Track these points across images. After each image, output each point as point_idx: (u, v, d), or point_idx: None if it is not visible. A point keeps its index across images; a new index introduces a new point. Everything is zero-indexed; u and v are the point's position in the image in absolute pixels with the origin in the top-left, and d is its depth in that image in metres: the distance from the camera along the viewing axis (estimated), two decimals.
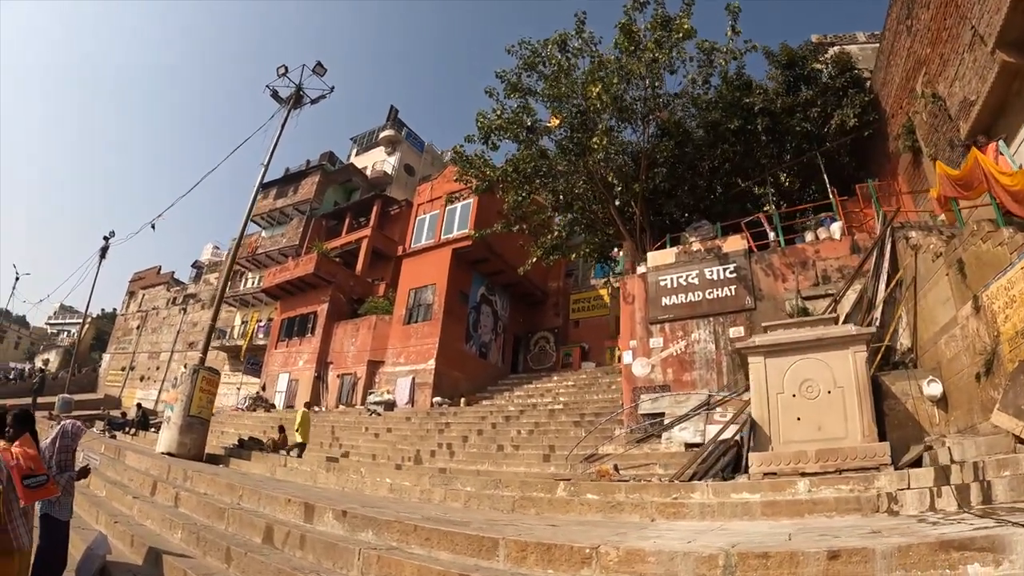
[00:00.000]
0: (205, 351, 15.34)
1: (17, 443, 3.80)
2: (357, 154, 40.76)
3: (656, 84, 13.64)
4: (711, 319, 11.72)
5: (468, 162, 15.29)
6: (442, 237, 21.78)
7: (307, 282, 25.80)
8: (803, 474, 6.92)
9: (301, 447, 13.82)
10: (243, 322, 32.57)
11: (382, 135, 39.93)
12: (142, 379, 39.76)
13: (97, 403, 34.26)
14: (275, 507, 6.60)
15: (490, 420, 15.66)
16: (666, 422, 11.18)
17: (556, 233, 16.33)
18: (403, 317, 21.45)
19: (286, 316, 27.05)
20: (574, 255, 17.12)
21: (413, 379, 19.80)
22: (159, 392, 35.41)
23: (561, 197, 15.74)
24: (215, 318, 15.95)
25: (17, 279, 41.73)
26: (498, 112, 14.35)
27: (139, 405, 25.34)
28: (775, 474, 7.26)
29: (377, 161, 38.06)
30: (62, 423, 4.90)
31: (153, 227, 24.38)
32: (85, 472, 4.93)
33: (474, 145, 14.98)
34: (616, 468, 9.15)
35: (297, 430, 14.08)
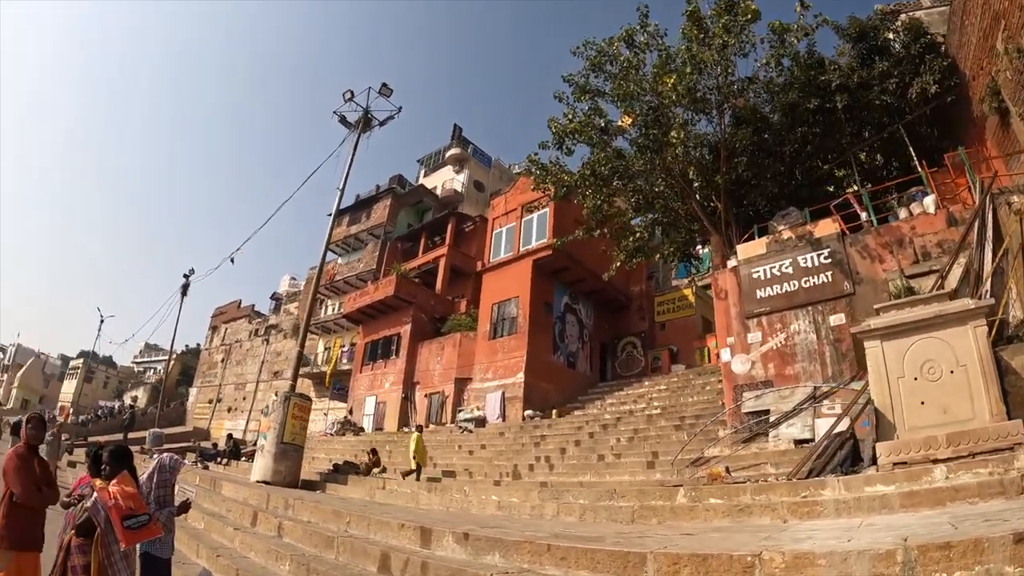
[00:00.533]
0: (295, 378, 15.87)
1: (115, 481, 3.69)
2: (425, 175, 42.35)
3: (729, 71, 13.69)
4: (809, 308, 11.81)
5: (544, 169, 15.57)
6: (521, 249, 22.52)
7: (388, 304, 27.08)
8: (935, 460, 6.84)
9: (418, 471, 14.13)
10: (326, 348, 34.18)
11: (449, 154, 41.43)
12: (229, 410, 42.15)
13: (186, 436, 36.60)
14: (387, 533, 6.55)
15: (586, 430, 15.91)
16: (771, 419, 11.14)
17: (638, 235, 16.52)
18: (488, 332, 22.29)
19: (369, 340, 28.39)
20: (657, 256, 17.25)
21: (503, 394, 20.45)
22: (247, 422, 37.50)
23: (640, 197, 15.94)
24: (302, 344, 16.61)
25: (102, 321, 45.48)
26: (569, 116, 14.62)
27: (230, 435, 26.97)
28: (905, 463, 7.20)
29: (446, 180, 39.45)
30: (159, 457, 4.84)
31: (232, 261, 25.97)
32: (186, 507, 4.75)
33: (548, 152, 15.30)
34: (728, 470, 9.21)
35: (413, 456, 14.37)
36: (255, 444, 27.64)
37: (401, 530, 6.35)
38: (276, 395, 14.94)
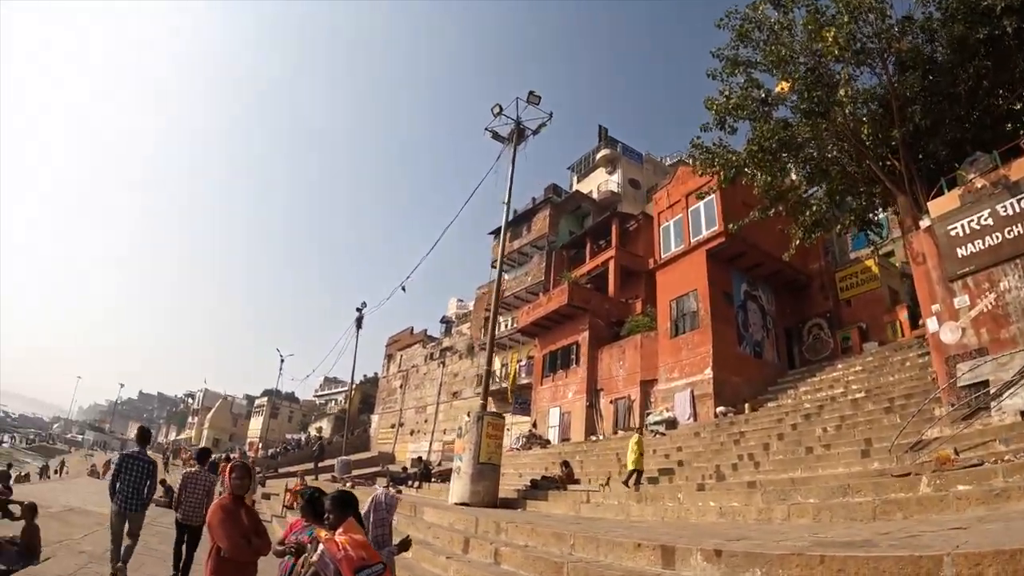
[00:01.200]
0: (485, 396, 16.54)
1: (341, 530, 3.62)
2: (578, 180, 43.83)
3: (885, 13, 13.19)
4: (1017, 261, 11.32)
5: (709, 152, 15.46)
6: (692, 240, 23.03)
7: (562, 314, 28.69)
8: None
9: (638, 475, 14.22)
10: (503, 364, 36.24)
11: (599, 156, 42.69)
12: (412, 433, 45.57)
13: (373, 461, 40.23)
14: (620, 554, 6.40)
15: (788, 422, 15.81)
16: (992, 390, 10.58)
17: (815, 207, 15.88)
18: (668, 330, 23.01)
19: (547, 351, 30.09)
20: (838, 227, 16.75)
21: (691, 392, 20.90)
22: (430, 443, 40.50)
23: (812, 166, 15.52)
24: (490, 362, 17.63)
25: (283, 361, 51.21)
26: (726, 93, 14.46)
27: (419, 458, 29.49)
28: None
29: (600, 182, 40.68)
30: (374, 495, 4.87)
31: (404, 289, 28.33)
32: (406, 545, 4.63)
33: (709, 134, 15.19)
34: (956, 452, 8.84)
35: (633, 459, 14.33)
36: (439, 464, 29.95)
37: (637, 550, 6.16)
38: (468, 415, 15.50)
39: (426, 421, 44.19)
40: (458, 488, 13.74)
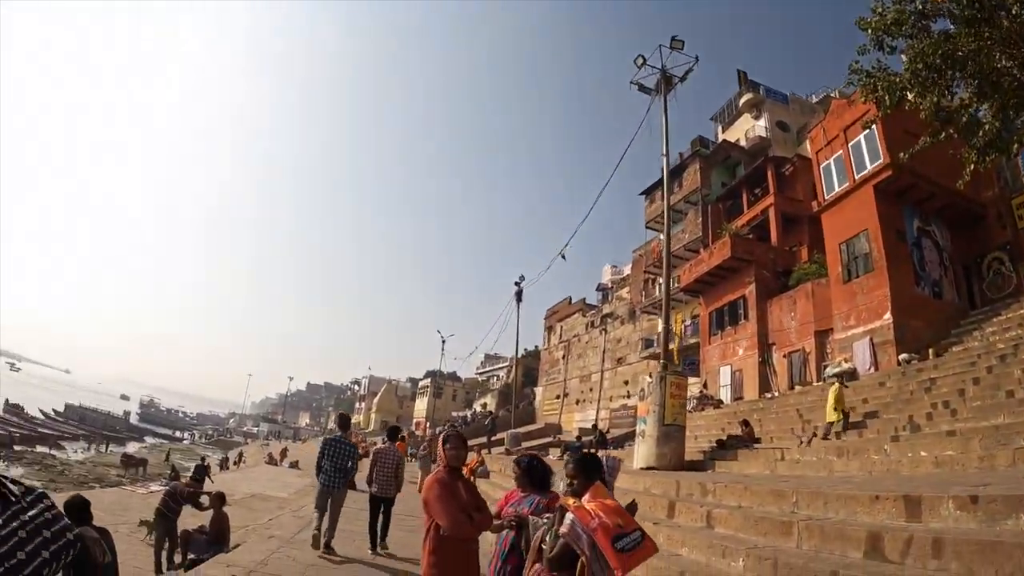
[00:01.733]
0: (666, 355, 16.50)
1: (588, 496, 3.40)
2: (723, 130, 43.73)
3: None
4: None
5: (870, 76, 14.42)
6: (856, 177, 22.60)
7: (725, 268, 29.28)
8: None
9: (845, 419, 14.20)
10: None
11: (742, 101, 42.38)
12: (577, 403, 47.48)
13: (541, 432, 42.19)
14: (853, 508, 6.22)
15: (981, 365, 15.03)
16: None
17: (987, 126, 15.32)
18: (840, 276, 22.90)
19: (712, 308, 30.89)
20: (1015, 145, 15.71)
21: (870, 340, 20.71)
22: (596, 411, 41.99)
23: (981, 81, 14.94)
24: (667, 319, 17.95)
25: (443, 342, 54.71)
26: (879, 10, 13.64)
27: (594, 425, 30.80)
28: None
29: (747, 129, 40.40)
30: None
31: (564, 257, 28.93)
32: (633, 509, 3.93)
33: (866, 57, 14.22)
34: None
35: (835, 408, 14.28)
36: (608, 432, 30.95)
37: (875, 503, 5.97)
38: (650, 376, 15.64)
39: (591, 390, 45.89)
40: (643, 452, 13.72)
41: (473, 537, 4.33)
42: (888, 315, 20.40)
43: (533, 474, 4.52)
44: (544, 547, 3.51)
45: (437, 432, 42.97)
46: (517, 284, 36.51)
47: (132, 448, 56.21)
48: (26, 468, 35.88)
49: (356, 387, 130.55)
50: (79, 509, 5.75)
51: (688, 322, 34.93)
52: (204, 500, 11.66)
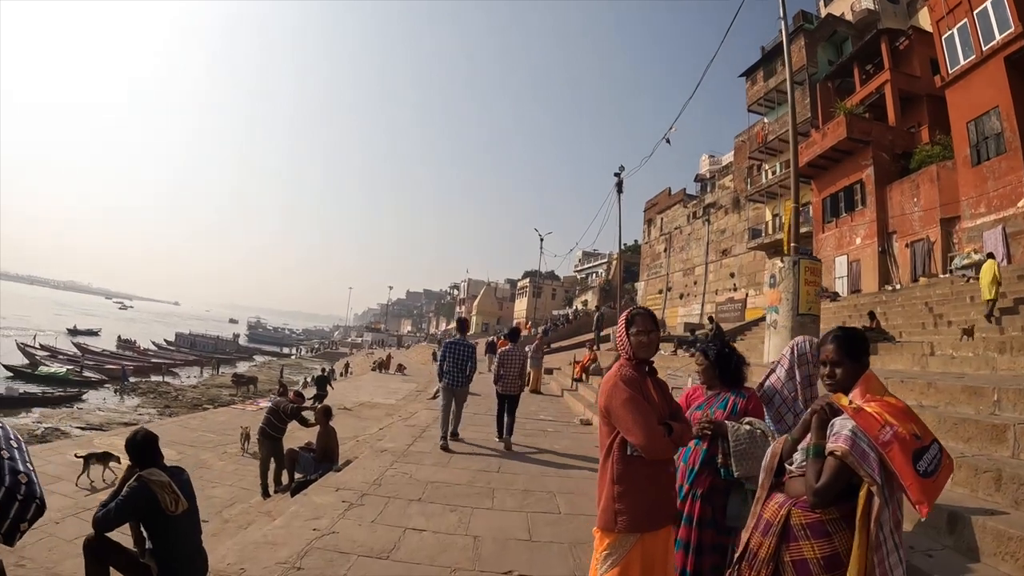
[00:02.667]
0: (797, 238, 15.30)
1: (858, 391, 2.48)
2: (826, 3, 40.77)
3: None
4: None
5: None
6: (983, 48, 21.18)
7: (840, 150, 28.20)
8: None
9: (992, 304, 13.81)
10: (775, 215, 36.21)
11: None
12: (681, 297, 47.55)
13: None
14: None
15: None
16: None
17: None
18: (968, 158, 21.84)
19: (826, 194, 30.12)
20: None
21: (1002, 229, 19.91)
22: (701, 305, 41.78)
23: None
24: (796, 197, 15.70)
25: (542, 240, 55.12)
26: None
27: (710, 318, 30.71)
28: None
29: (853, 2, 37.65)
30: (794, 343, 3.86)
31: (668, 141, 27.47)
32: None
33: None
34: None
35: (992, 284, 13.79)
36: (768, 319, 30.46)
37: None
38: (782, 261, 14.58)
39: (695, 283, 45.81)
40: (776, 343, 13.02)
41: (670, 457, 3.20)
42: (1023, 202, 19.44)
43: (725, 365, 3.80)
44: (791, 467, 2.58)
45: (541, 331, 43.94)
46: (617, 175, 35.87)
47: (243, 368, 59.66)
48: (142, 398, 39.10)
49: (455, 291, 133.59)
50: (141, 447, 4.63)
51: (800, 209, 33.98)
52: (309, 416, 10.94)
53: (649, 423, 2.94)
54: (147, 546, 4.51)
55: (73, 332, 79.57)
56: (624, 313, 3.31)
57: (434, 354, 18.01)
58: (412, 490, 7.12)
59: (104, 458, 11.35)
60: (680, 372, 14.43)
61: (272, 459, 10.45)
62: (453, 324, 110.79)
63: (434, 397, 17.17)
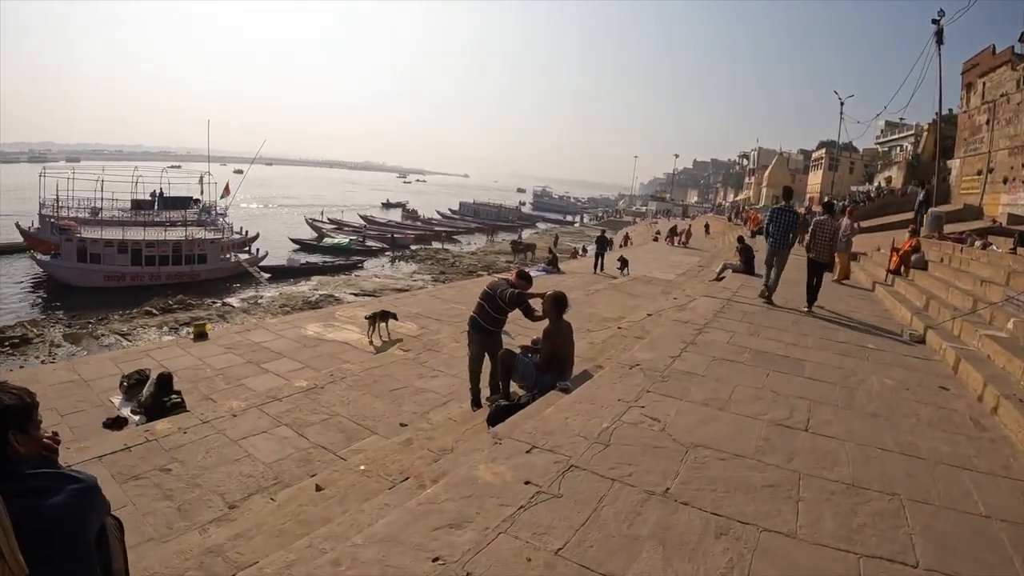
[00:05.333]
0: None
1: None
2: None
3: None
4: None
5: None
6: None
7: None
8: None
9: None
10: None
11: None
12: (1004, 181, 39.69)
13: (956, 215, 36.11)
14: None
15: None
16: None
17: None
18: None
19: None
20: None
21: None
22: None
23: None
24: None
25: (842, 104, 48.62)
26: None
27: None
28: None
29: None
30: None
31: None
32: None
33: None
34: None
35: None
36: None
37: None
38: None
39: (1023, 166, 38.06)
40: None
41: None
42: None
43: None
44: None
45: (845, 205, 39.51)
46: (935, 21, 30.01)
47: (525, 235, 61.73)
48: (419, 264, 41.93)
49: (744, 161, 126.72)
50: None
51: None
52: (537, 305, 7.83)
53: None
54: None
55: (386, 205, 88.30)
56: None
57: (740, 238, 17.76)
58: (653, 464, 4.40)
59: (384, 316, 13.87)
60: None
61: (488, 358, 8.23)
62: (741, 195, 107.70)
63: (718, 278, 17.07)
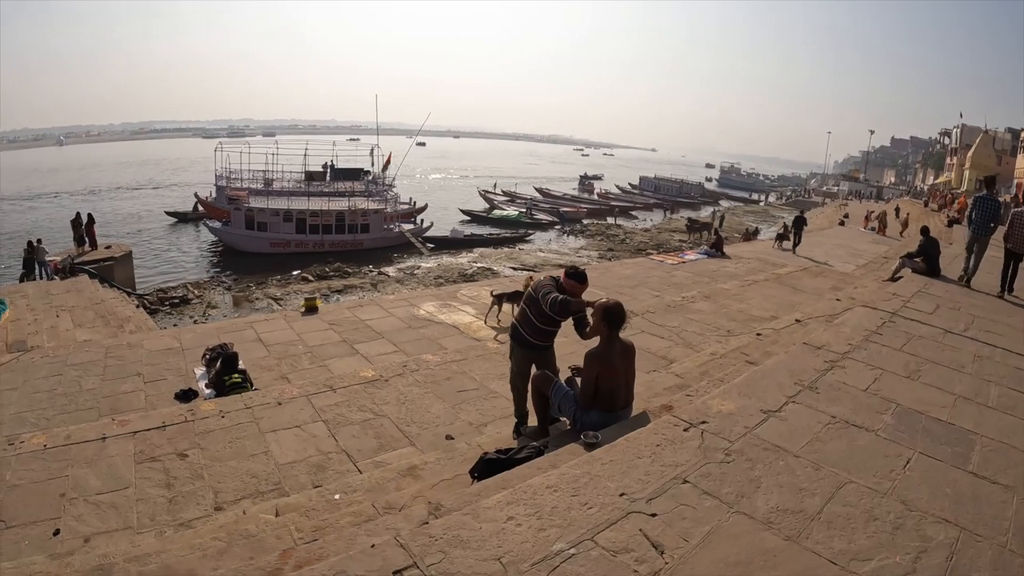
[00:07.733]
0: None
1: None
2: None
3: None
4: None
5: None
6: None
7: None
8: None
9: None
10: None
11: None
12: None
13: None
14: None
15: None
16: None
17: None
18: None
19: None
20: None
21: None
22: None
23: None
24: None
25: None
26: None
27: None
28: None
29: None
30: None
31: None
32: None
33: None
34: None
35: None
36: None
37: None
38: None
39: None
40: None
41: None
42: None
43: None
44: None
45: None
46: None
47: (705, 213, 59.26)
48: (588, 239, 40.98)
49: (946, 139, 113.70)
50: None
51: None
52: (588, 314, 5.31)
53: None
54: None
55: (584, 178, 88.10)
56: None
57: (924, 228, 15.56)
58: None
59: (514, 296, 12.09)
60: None
61: (522, 376, 6.03)
62: (942, 177, 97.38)
63: (892, 278, 13.09)
